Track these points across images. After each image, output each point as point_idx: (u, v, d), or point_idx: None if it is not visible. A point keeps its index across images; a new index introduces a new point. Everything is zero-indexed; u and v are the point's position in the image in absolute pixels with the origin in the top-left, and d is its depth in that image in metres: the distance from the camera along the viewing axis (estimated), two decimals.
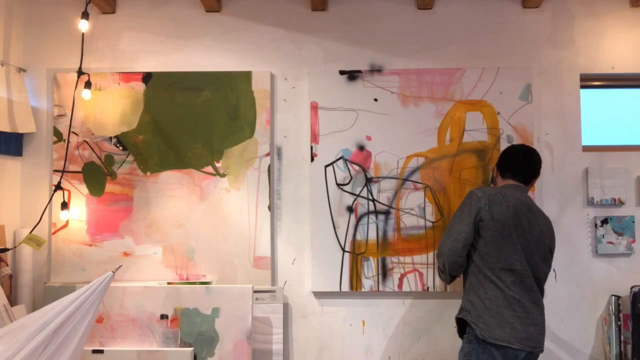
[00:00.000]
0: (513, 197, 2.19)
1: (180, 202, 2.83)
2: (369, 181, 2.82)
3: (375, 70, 2.86)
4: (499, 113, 2.81)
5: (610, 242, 2.79)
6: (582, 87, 2.89)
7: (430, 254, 2.77)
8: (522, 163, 2.32)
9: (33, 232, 2.64)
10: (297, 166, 2.87)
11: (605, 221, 2.80)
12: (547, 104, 2.86)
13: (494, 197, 2.17)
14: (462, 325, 2.25)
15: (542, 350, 2.17)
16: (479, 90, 2.82)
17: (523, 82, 2.82)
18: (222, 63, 2.90)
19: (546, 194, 2.83)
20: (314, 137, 2.84)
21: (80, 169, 2.86)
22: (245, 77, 2.86)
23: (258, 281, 2.76)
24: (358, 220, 2.80)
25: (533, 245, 2.17)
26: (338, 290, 2.78)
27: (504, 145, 2.78)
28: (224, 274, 2.79)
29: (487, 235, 2.14)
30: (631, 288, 2.72)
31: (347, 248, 2.79)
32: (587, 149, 2.87)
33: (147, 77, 2.87)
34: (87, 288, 2.21)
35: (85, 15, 2.70)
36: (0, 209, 2.76)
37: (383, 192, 2.81)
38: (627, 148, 2.90)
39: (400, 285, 2.77)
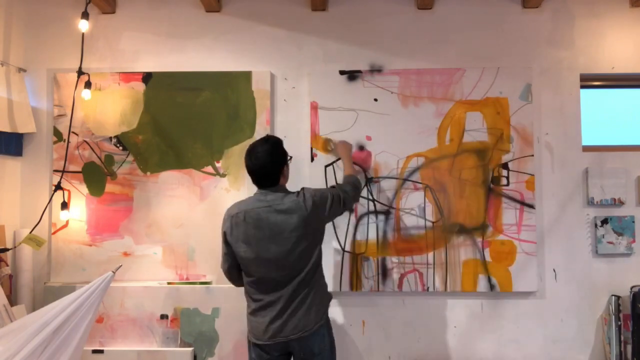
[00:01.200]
0: (251, 210, 2.12)
1: (180, 202, 2.83)
2: (369, 181, 2.82)
3: (375, 70, 2.86)
4: (498, 113, 2.81)
5: (610, 242, 2.79)
6: (582, 87, 2.89)
7: (430, 254, 2.77)
8: (250, 165, 2.15)
9: (33, 232, 2.64)
10: (297, 166, 2.87)
11: (605, 221, 2.80)
12: (547, 104, 2.86)
13: (235, 219, 2.14)
14: None
15: (298, 337, 2.11)
16: (479, 90, 2.82)
17: (523, 82, 2.82)
18: (222, 63, 2.90)
19: (546, 194, 2.83)
20: (314, 137, 2.84)
21: (80, 169, 2.86)
22: (245, 77, 2.86)
23: None
24: (358, 220, 2.80)
25: (274, 249, 2.10)
26: (338, 290, 2.78)
27: (504, 146, 2.78)
28: (223, 274, 2.78)
29: (235, 253, 2.16)
30: (631, 288, 2.72)
31: (347, 248, 2.79)
32: (587, 149, 2.86)
33: (147, 77, 2.87)
34: (87, 288, 2.21)
35: (85, 15, 2.70)
36: (0, 209, 2.76)
37: (383, 192, 2.81)
38: (627, 148, 2.90)
39: (400, 285, 2.77)
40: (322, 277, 2.25)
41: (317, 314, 2.15)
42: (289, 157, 2.26)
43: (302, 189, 2.21)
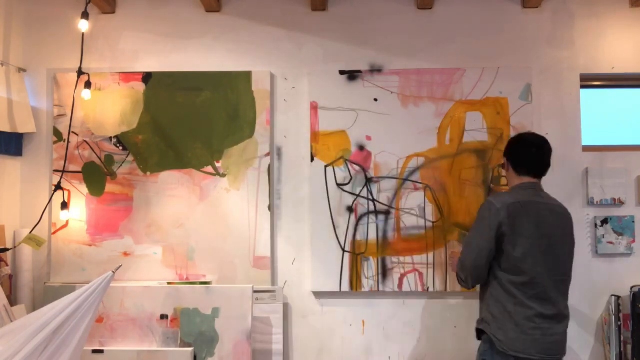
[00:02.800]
0: (532, 203, 2.09)
1: (180, 202, 2.83)
2: (369, 181, 2.82)
3: (375, 70, 2.86)
4: (498, 113, 2.81)
5: (610, 242, 2.79)
6: (582, 87, 2.89)
7: (431, 254, 2.77)
8: (537, 156, 2.18)
9: (33, 232, 2.64)
10: (297, 166, 2.87)
11: (605, 221, 2.80)
12: (547, 104, 2.86)
13: (514, 209, 2.06)
14: (480, 335, 2.22)
15: (563, 356, 2.12)
16: (479, 90, 2.82)
17: (523, 82, 2.82)
18: (222, 63, 2.90)
19: None
20: (314, 137, 2.84)
21: (80, 169, 2.86)
22: (245, 77, 2.86)
23: (258, 281, 2.76)
24: (358, 220, 2.80)
25: (558, 250, 2.09)
26: (338, 290, 2.78)
27: (504, 146, 2.78)
28: (223, 274, 2.79)
29: (509, 249, 2.06)
30: (631, 288, 2.72)
31: (347, 248, 2.79)
32: (587, 149, 2.86)
33: (147, 77, 2.87)
34: (87, 288, 2.21)
35: (85, 15, 2.70)
36: (0, 209, 2.76)
37: (383, 192, 2.81)
38: (627, 148, 2.90)
39: (400, 285, 2.77)
40: None
41: None
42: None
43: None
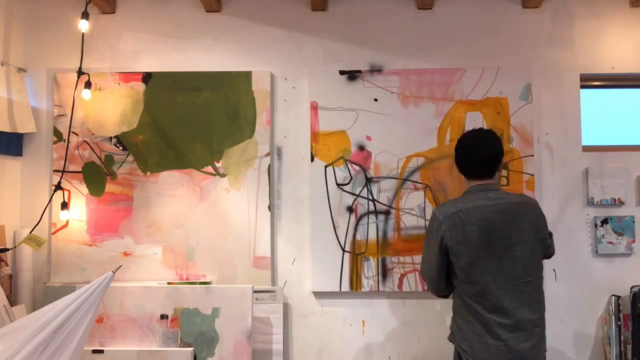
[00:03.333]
0: (478, 209, 1.98)
1: (180, 202, 2.83)
2: (369, 181, 2.82)
3: (375, 70, 2.86)
4: (498, 113, 2.81)
5: (610, 242, 2.79)
6: (582, 87, 2.89)
7: None
8: (476, 157, 2.06)
9: (33, 232, 2.64)
10: (297, 166, 2.87)
11: (605, 221, 2.80)
12: (547, 104, 2.86)
13: (455, 219, 1.98)
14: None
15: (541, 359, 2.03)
16: (479, 90, 2.82)
17: (523, 82, 2.82)
18: (222, 63, 2.90)
19: (546, 194, 2.83)
20: (314, 137, 2.84)
21: (80, 169, 2.86)
22: (245, 77, 2.86)
23: (258, 281, 2.76)
24: (358, 220, 2.80)
25: (514, 252, 1.96)
26: (338, 290, 2.78)
27: (504, 146, 2.78)
28: (224, 274, 2.79)
29: (455, 261, 2.00)
30: (631, 288, 2.72)
31: (347, 248, 2.79)
32: (587, 149, 2.86)
33: (147, 77, 2.87)
34: (87, 288, 2.21)
35: (85, 15, 2.70)
36: (0, 209, 2.76)
37: (383, 192, 2.81)
38: (627, 148, 2.90)
39: (400, 285, 2.77)
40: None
41: None
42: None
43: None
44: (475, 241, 1.96)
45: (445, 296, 2.18)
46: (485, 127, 2.76)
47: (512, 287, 1.95)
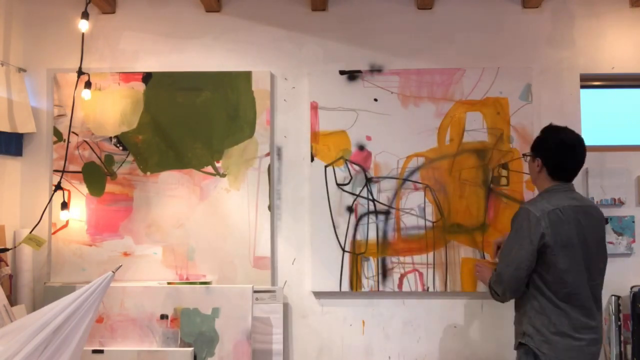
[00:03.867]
0: (569, 208, 1.98)
1: (180, 202, 2.83)
2: (369, 181, 2.82)
3: (375, 70, 2.86)
4: (498, 113, 2.81)
5: (610, 242, 2.79)
6: (582, 87, 2.89)
7: (430, 254, 2.77)
8: (578, 161, 2.06)
9: (33, 232, 2.64)
10: (297, 166, 2.87)
11: (605, 221, 2.79)
12: (547, 104, 2.86)
13: (554, 217, 1.95)
14: (520, 347, 2.12)
15: None
16: (479, 90, 2.82)
17: (523, 82, 2.82)
18: (222, 63, 2.90)
19: None
20: (314, 137, 2.84)
21: (80, 169, 2.86)
22: (245, 77, 2.86)
23: (258, 281, 2.76)
24: (358, 220, 2.80)
25: (595, 254, 2.02)
26: (338, 290, 2.78)
27: (504, 146, 2.79)
28: (224, 274, 2.79)
29: (553, 261, 1.96)
30: (631, 288, 2.72)
31: (347, 248, 2.79)
32: (587, 149, 2.85)
33: (147, 77, 2.87)
34: (87, 288, 2.21)
35: (85, 15, 2.70)
36: (0, 209, 2.76)
37: (383, 192, 2.81)
38: (627, 148, 2.90)
39: (400, 285, 2.77)
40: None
41: None
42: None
43: None
44: (574, 240, 1.96)
45: (509, 299, 2.13)
46: (485, 126, 2.76)
47: (591, 288, 2.01)
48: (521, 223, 2.02)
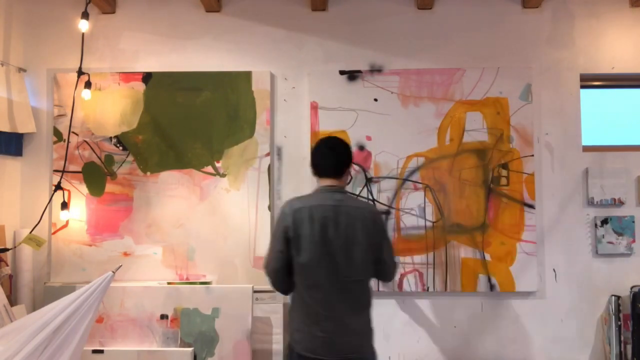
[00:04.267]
0: (321, 207, 2.05)
1: (180, 202, 2.83)
2: (369, 181, 2.81)
3: (375, 70, 2.86)
4: (498, 113, 2.81)
5: (610, 242, 2.79)
6: (582, 87, 2.89)
7: (430, 254, 2.77)
8: (327, 158, 2.12)
9: (33, 232, 2.63)
10: (297, 166, 2.87)
11: (605, 221, 2.80)
12: (547, 104, 2.86)
13: (300, 214, 2.04)
14: None
15: (363, 357, 2.09)
16: (479, 90, 2.82)
17: (523, 82, 2.82)
18: (222, 63, 2.90)
19: (546, 194, 2.83)
20: (314, 137, 2.83)
21: (80, 169, 2.86)
22: (245, 77, 2.86)
23: (258, 281, 2.76)
24: None
25: (345, 252, 2.01)
26: None
27: (504, 146, 2.79)
28: (224, 274, 2.79)
29: (295, 253, 2.04)
30: (631, 288, 2.72)
31: None
32: (587, 149, 2.86)
33: (147, 77, 2.87)
34: (87, 288, 2.21)
35: (85, 15, 2.70)
36: (0, 209, 2.76)
37: (383, 192, 2.81)
38: (627, 148, 2.90)
39: (400, 285, 2.77)
40: None
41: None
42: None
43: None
44: (316, 236, 2.01)
45: (285, 292, 2.17)
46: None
47: (340, 285, 2.01)
48: (277, 218, 2.14)
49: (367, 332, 2.12)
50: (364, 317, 2.09)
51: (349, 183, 2.81)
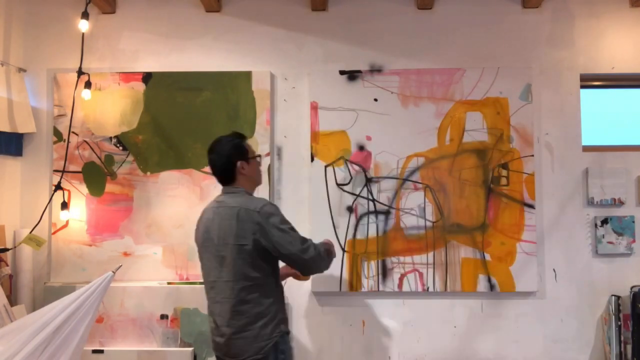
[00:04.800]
0: (209, 210, 2.09)
1: (180, 202, 2.83)
2: (369, 181, 2.82)
3: (375, 70, 2.86)
4: (498, 113, 2.81)
5: (610, 242, 2.79)
6: (582, 87, 2.89)
7: (430, 254, 2.77)
8: (210, 163, 2.11)
9: (33, 232, 2.64)
10: (297, 166, 2.87)
11: (605, 221, 2.80)
12: (547, 104, 2.86)
13: (200, 218, 2.13)
14: None
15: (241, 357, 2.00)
16: (479, 90, 2.82)
17: (523, 82, 2.82)
18: (222, 63, 2.90)
19: (546, 194, 2.83)
20: (314, 137, 2.84)
21: (80, 169, 2.86)
22: (245, 77, 2.86)
23: None
24: (358, 220, 2.80)
25: (226, 253, 1.99)
26: (338, 290, 2.78)
27: (504, 146, 2.79)
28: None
29: (198, 254, 2.15)
30: (631, 288, 2.72)
31: (347, 248, 2.79)
32: (587, 149, 2.86)
33: (147, 77, 2.87)
34: (87, 288, 2.21)
35: (85, 15, 2.70)
36: (0, 209, 2.76)
37: (383, 192, 2.81)
38: (627, 148, 2.90)
39: (400, 285, 2.77)
40: None
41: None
42: (250, 155, 2.13)
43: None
44: (203, 237, 2.08)
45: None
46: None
47: (225, 284, 2.00)
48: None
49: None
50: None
51: (347, 184, 2.81)
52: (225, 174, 2.09)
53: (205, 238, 2.06)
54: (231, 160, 2.07)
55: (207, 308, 2.10)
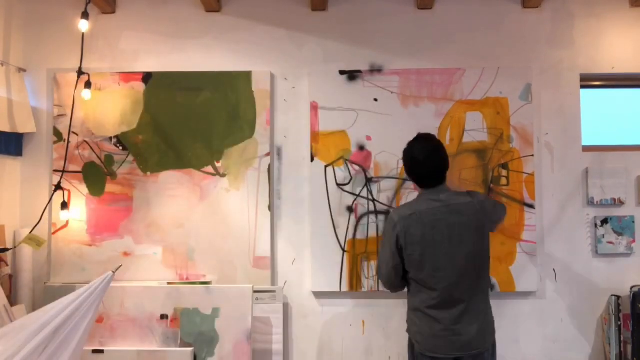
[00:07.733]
0: (429, 210, 2.14)
1: (180, 202, 2.83)
2: (369, 181, 2.82)
3: (375, 70, 2.86)
4: (498, 113, 2.81)
5: (610, 242, 2.79)
6: (582, 87, 2.89)
7: None
8: (426, 166, 2.19)
9: (33, 232, 2.63)
10: (297, 166, 2.87)
11: (605, 221, 2.80)
12: (547, 104, 2.86)
13: (409, 221, 2.14)
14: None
15: (480, 351, 2.13)
16: (479, 90, 2.82)
17: (523, 82, 2.82)
18: (222, 63, 2.90)
19: (546, 194, 2.83)
20: (314, 137, 2.83)
21: (80, 169, 2.86)
22: (245, 77, 2.86)
23: (258, 281, 2.76)
24: (358, 220, 2.80)
25: (465, 244, 2.11)
26: (338, 290, 2.78)
27: (504, 146, 2.79)
28: (224, 274, 2.79)
29: (408, 259, 2.16)
30: (631, 288, 2.72)
31: (347, 248, 2.79)
32: (587, 149, 2.86)
33: (147, 77, 2.87)
34: (87, 288, 2.21)
35: (85, 15, 2.69)
36: (0, 209, 2.76)
37: (383, 192, 2.81)
38: (627, 148, 2.90)
39: None
40: None
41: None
42: None
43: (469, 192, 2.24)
44: (428, 238, 2.11)
45: (395, 292, 2.35)
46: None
47: (462, 277, 2.11)
48: (385, 228, 2.27)
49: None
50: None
51: (347, 184, 2.82)
52: (444, 175, 2.21)
53: (438, 238, 2.13)
54: (447, 161, 2.23)
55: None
